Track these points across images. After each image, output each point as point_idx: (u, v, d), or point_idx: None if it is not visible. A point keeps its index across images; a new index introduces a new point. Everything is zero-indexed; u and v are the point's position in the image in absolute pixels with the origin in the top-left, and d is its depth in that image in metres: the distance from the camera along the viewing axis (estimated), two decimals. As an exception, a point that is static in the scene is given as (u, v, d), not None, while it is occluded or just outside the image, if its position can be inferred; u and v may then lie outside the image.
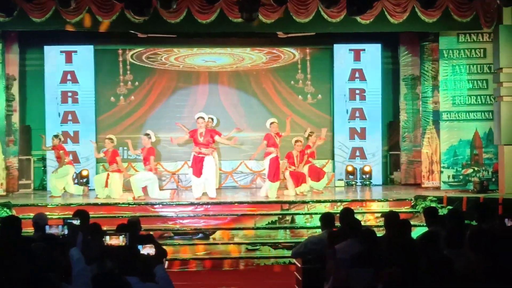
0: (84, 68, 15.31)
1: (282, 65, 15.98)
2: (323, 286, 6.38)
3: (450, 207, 11.49)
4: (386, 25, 12.75)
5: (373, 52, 15.68)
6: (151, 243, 5.70)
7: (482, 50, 13.84)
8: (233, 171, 15.53)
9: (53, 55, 15.26)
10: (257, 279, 10.22)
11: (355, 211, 8.24)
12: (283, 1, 11.91)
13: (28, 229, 7.82)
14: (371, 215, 11.87)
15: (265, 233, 11.58)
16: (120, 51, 15.69)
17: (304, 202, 12.21)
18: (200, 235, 11.44)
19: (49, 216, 8.77)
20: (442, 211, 10.60)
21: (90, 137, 14.63)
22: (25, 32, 14.21)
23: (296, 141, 13.35)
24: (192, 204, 12.17)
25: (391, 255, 4.85)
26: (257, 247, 11.26)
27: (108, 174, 13.09)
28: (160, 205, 12.13)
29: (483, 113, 13.85)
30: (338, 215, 7.60)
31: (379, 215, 11.61)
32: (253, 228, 11.63)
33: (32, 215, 8.29)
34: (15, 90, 14.86)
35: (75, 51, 15.31)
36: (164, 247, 8.30)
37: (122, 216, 11.09)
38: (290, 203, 12.20)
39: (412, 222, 8.13)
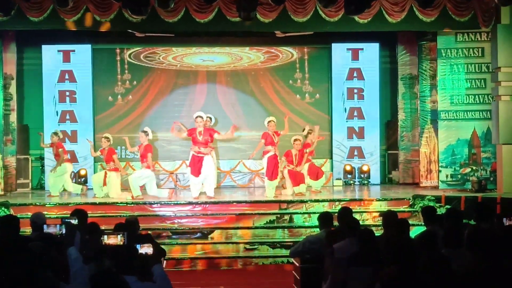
0: (82, 67, 15.30)
1: (280, 64, 15.98)
2: (321, 286, 6.38)
3: (448, 206, 11.50)
4: (384, 24, 12.74)
5: (371, 51, 15.69)
6: (149, 242, 5.70)
7: (480, 49, 13.85)
8: (231, 170, 15.53)
9: (50, 54, 15.25)
10: (255, 278, 10.21)
11: (353, 210, 8.23)
12: (281, 0, 11.90)
13: (26, 229, 7.82)
14: (369, 215, 11.87)
15: (263, 233, 11.57)
16: (117, 50, 15.69)
17: (302, 202, 12.21)
18: (198, 234, 11.44)
19: (47, 216, 8.77)
20: (440, 211, 10.58)
21: (88, 137, 14.63)
22: (22, 31, 14.19)
23: (295, 140, 13.35)
24: (190, 203, 12.17)
25: (389, 254, 4.84)
26: (255, 246, 11.26)
27: (105, 173, 13.10)
28: (159, 204, 12.12)
29: (481, 112, 13.87)
30: (336, 214, 7.60)
31: (377, 214, 11.62)
32: (251, 228, 11.62)
33: (30, 214, 8.27)
34: (12, 89, 14.83)
35: (73, 50, 15.31)
36: (162, 246, 8.29)
37: (120, 216, 11.08)
38: (288, 202, 12.20)
39: (410, 222, 8.11)
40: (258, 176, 15.34)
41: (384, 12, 12.53)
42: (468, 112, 13.92)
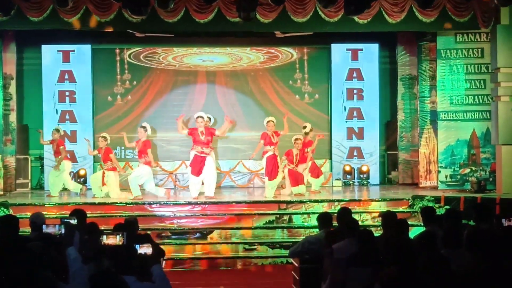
0: (81, 67, 15.31)
1: (280, 65, 15.98)
2: (321, 286, 6.37)
3: (447, 207, 11.49)
4: (383, 25, 12.75)
5: (370, 52, 15.69)
6: (149, 242, 5.70)
7: (479, 50, 13.86)
8: (231, 170, 15.52)
9: (50, 54, 15.25)
10: (255, 278, 10.22)
11: (352, 210, 8.23)
12: (281, 0, 11.90)
13: (26, 229, 7.82)
14: (368, 215, 11.87)
15: (262, 233, 11.57)
16: (117, 51, 15.69)
17: (301, 202, 12.21)
18: (198, 234, 11.44)
19: (47, 216, 8.78)
20: (440, 211, 10.58)
21: (88, 137, 14.52)
22: (22, 31, 14.18)
23: (296, 139, 13.34)
24: (189, 203, 12.16)
25: (388, 254, 4.84)
26: (255, 246, 11.25)
27: (103, 173, 13.08)
28: (158, 204, 12.12)
29: (480, 113, 13.87)
30: (335, 214, 7.60)
31: (376, 214, 11.62)
32: (250, 228, 11.62)
33: (29, 214, 8.27)
34: (12, 89, 14.83)
35: (73, 50, 15.31)
36: (162, 246, 8.29)
37: (119, 216, 11.08)
38: (288, 202, 12.20)
39: (409, 222, 8.13)
40: (257, 176, 15.34)
41: (383, 12, 12.53)
42: (468, 113, 13.93)
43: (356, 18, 12.48)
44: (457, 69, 13.89)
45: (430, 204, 11.53)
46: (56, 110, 15.25)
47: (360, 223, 8.62)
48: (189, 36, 15.09)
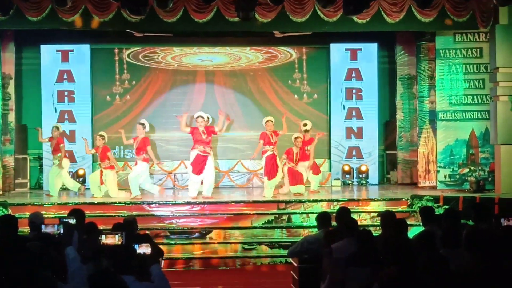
0: (80, 67, 15.29)
1: (279, 65, 15.98)
2: (320, 286, 6.38)
3: (446, 206, 11.51)
4: (382, 25, 12.74)
5: (369, 52, 15.68)
6: (147, 242, 5.69)
7: (478, 49, 13.87)
8: (230, 170, 15.52)
9: (49, 54, 15.23)
10: (254, 278, 10.21)
11: (351, 210, 8.23)
12: (280, 0, 11.90)
13: (24, 228, 7.82)
14: (367, 215, 11.87)
15: (261, 233, 11.58)
16: (116, 50, 15.67)
17: (300, 202, 12.21)
18: (196, 234, 11.44)
19: (45, 215, 8.76)
20: (439, 211, 10.59)
21: (87, 137, 14.43)
22: (21, 31, 14.18)
23: (296, 138, 13.34)
24: (188, 203, 12.16)
25: (387, 254, 4.84)
26: (254, 246, 11.26)
27: (101, 171, 13.06)
28: (157, 204, 12.12)
29: (479, 113, 13.88)
30: (334, 214, 7.60)
31: (375, 214, 11.62)
32: (249, 228, 11.62)
33: (28, 214, 8.27)
34: (11, 89, 14.84)
35: (71, 50, 15.29)
36: (160, 246, 8.29)
37: (118, 215, 11.08)
38: (287, 202, 12.20)
39: (408, 222, 8.14)
40: (256, 176, 15.34)
41: (382, 12, 12.53)
42: (467, 113, 13.93)
43: (355, 18, 12.48)
44: (456, 69, 13.90)
45: (429, 204, 11.53)
46: (55, 109, 15.23)
47: (359, 223, 8.62)
48: (188, 36, 15.08)
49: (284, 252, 10.50)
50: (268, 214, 11.87)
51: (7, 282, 4.29)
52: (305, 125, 13.81)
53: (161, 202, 12.20)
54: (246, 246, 11.23)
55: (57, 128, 13.63)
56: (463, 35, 13.84)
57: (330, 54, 15.71)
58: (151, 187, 13.02)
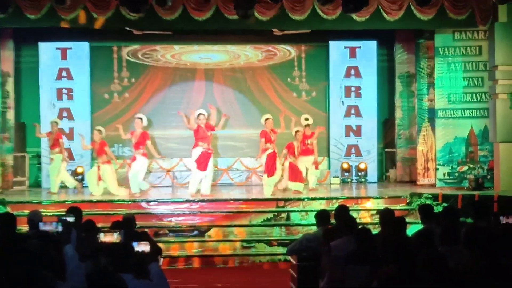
0: (79, 65, 15.27)
1: (278, 63, 15.96)
2: (319, 283, 6.37)
3: (445, 204, 11.50)
4: (381, 23, 12.73)
5: (368, 50, 15.67)
6: (146, 240, 5.68)
7: (477, 47, 13.85)
8: (229, 168, 15.50)
9: (48, 51, 15.22)
10: (252, 276, 10.21)
11: (350, 208, 8.24)
12: (279, -2, 11.91)
13: (23, 226, 7.81)
14: (366, 213, 11.87)
15: (260, 230, 11.57)
16: (115, 48, 15.65)
17: (299, 199, 12.21)
18: (195, 232, 11.43)
19: (44, 214, 8.76)
20: (438, 209, 10.60)
21: (85, 135, 14.40)
22: (20, 29, 14.17)
23: (297, 132, 13.33)
24: (187, 201, 12.16)
25: (386, 252, 4.84)
26: (252, 244, 11.26)
27: (98, 167, 13.01)
28: (156, 202, 12.11)
29: (478, 111, 13.86)
30: (333, 212, 7.60)
31: (374, 212, 11.62)
32: (248, 226, 11.62)
33: (27, 212, 8.26)
34: (10, 87, 14.82)
35: (70, 48, 15.28)
36: (159, 244, 8.29)
37: (117, 213, 11.06)
38: (286, 200, 12.20)
39: (407, 220, 8.11)
40: (255, 174, 15.33)
41: (381, 10, 12.52)
42: (466, 110, 13.92)
43: (354, 16, 12.46)
44: (455, 67, 13.88)
45: (428, 202, 11.53)
46: (54, 105, 15.21)
47: (358, 220, 8.62)
48: (187, 33, 15.07)
49: (283, 250, 10.48)
50: (267, 212, 11.87)
51: (6, 280, 4.28)
52: (306, 119, 13.79)
53: (160, 200, 12.20)
54: (245, 244, 11.24)
55: (56, 123, 13.61)
56: (462, 33, 13.83)
57: (329, 52, 15.70)
58: (141, 184, 13.00)
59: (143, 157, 12.79)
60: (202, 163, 12.63)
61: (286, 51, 15.94)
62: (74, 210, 7.35)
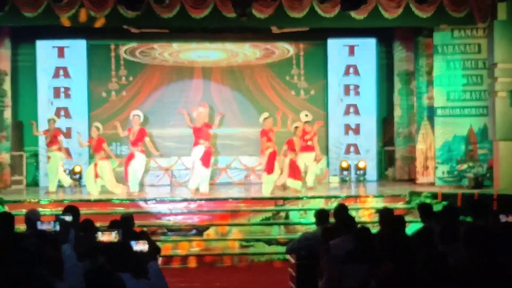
0: (76, 63, 15.23)
1: (276, 61, 15.93)
2: (318, 282, 6.36)
3: (444, 203, 11.47)
4: (380, 20, 12.72)
5: (367, 47, 15.65)
6: (144, 239, 5.66)
7: (476, 45, 13.82)
8: (227, 167, 15.48)
9: (45, 50, 15.17)
10: (251, 275, 10.20)
11: (349, 207, 8.23)
12: (277, -4, 11.89)
13: (21, 226, 7.78)
14: (365, 211, 11.85)
15: (259, 229, 11.55)
16: (112, 46, 15.61)
17: (298, 198, 12.20)
18: (194, 231, 11.42)
19: (42, 213, 8.73)
20: (437, 207, 10.56)
21: (83, 133, 14.31)
22: (17, 27, 14.12)
23: (296, 127, 13.29)
24: (185, 200, 12.14)
25: (385, 251, 4.81)
26: (251, 243, 11.25)
27: (96, 164, 12.97)
28: (154, 201, 12.10)
29: (477, 109, 13.84)
30: (332, 211, 7.58)
31: (373, 211, 11.60)
32: (247, 224, 11.60)
33: (24, 211, 8.24)
34: (7, 85, 14.79)
35: (68, 46, 15.24)
36: (158, 243, 8.27)
37: (115, 212, 11.03)
38: (285, 199, 12.18)
39: (406, 218, 8.10)
40: (254, 172, 15.30)
41: (380, 8, 12.50)
42: (465, 109, 13.90)
43: (352, 14, 12.44)
44: (454, 65, 13.86)
45: (427, 201, 11.52)
46: (52, 103, 15.16)
47: (356, 219, 8.60)
48: (184, 32, 15.03)
49: (281, 249, 10.46)
50: (266, 211, 11.85)
51: (4, 279, 4.25)
52: (306, 115, 13.76)
53: (158, 199, 12.18)
54: (243, 243, 11.23)
55: (54, 120, 13.57)
56: (461, 30, 13.80)
57: (328, 50, 15.67)
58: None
59: (141, 154, 12.76)
60: (208, 161, 12.66)
61: (285, 49, 15.91)
62: (71, 209, 7.33)
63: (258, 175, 14.57)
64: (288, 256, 7.91)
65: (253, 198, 12.35)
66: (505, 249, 5.02)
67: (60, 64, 15.21)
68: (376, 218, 10.73)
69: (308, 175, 13.62)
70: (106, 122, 15.16)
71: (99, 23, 12.43)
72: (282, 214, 11.84)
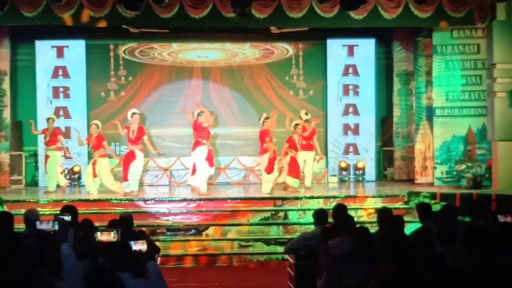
0: (75, 63, 15.21)
1: (275, 61, 15.93)
2: (316, 282, 6.36)
3: (443, 203, 11.48)
4: (379, 20, 12.73)
5: (366, 48, 15.64)
6: (144, 239, 5.66)
7: (475, 45, 13.83)
8: (226, 167, 15.48)
9: (44, 50, 15.16)
10: (250, 275, 10.20)
11: (348, 207, 8.23)
12: (276, -4, 11.90)
13: (20, 225, 7.78)
14: (364, 211, 11.85)
15: (258, 229, 11.55)
16: (111, 46, 15.60)
17: (297, 198, 12.19)
18: (193, 231, 11.41)
19: (41, 212, 8.74)
20: (436, 207, 10.58)
21: (82, 133, 14.29)
22: (16, 27, 14.12)
23: (297, 125, 13.28)
24: (184, 200, 12.14)
25: (384, 251, 4.82)
26: (250, 243, 11.24)
27: (95, 161, 12.95)
28: (153, 201, 12.09)
29: (476, 109, 13.85)
30: (331, 211, 7.58)
31: (372, 211, 11.60)
32: (246, 224, 11.59)
33: (23, 211, 8.23)
34: (6, 85, 14.78)
35: (67, 46, 15.22)
36: (157, 243, 8.27)
37: (114, 212, 11.03)
38: (283, 199, 12.17)
39: (405, 218, 8.10)
40: (253, 172, 15.30)
41: (379, 8, 12.52)
42: (464, 109, 13.91)
43: (352, 14, 12.46)
44: (453, 65, 13.86)
45: (426, 201, 11.50)
46: (51, 102, 15.15)
47: (355, 219, 8.61)
48: (184, 31, 15.03)
49: (280, 249, 10.48)
50: (264, 211, 11.84)
51: (3, 279, 4.26)
52: (306, 114, 13.74)
53: (157, 199, 12.18)
54: (242, 243, 11.21)
55: (53, 119, 13.56)
56: (460, 31, 13.81)
57: (327, 50, 15.67)
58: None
59: (141, 152, 12.76)
60: (211, 160, 12.73)
61: (284, 49, 15.91)
62: (69, 208, 7.32)
63: (257, 175, 14.56)
64: (287, 256, 7.91)
65: (252, 198, 12.34)
66: (504, 249, 5.03)
67: (59, 63, 15.19)
68: (374, 218, 10.74)
69: (306, 175, 13.61)
70: (105, 122, 15.12)
71: (100, 23, 12.42)
72: (281, 214, 11.84)
